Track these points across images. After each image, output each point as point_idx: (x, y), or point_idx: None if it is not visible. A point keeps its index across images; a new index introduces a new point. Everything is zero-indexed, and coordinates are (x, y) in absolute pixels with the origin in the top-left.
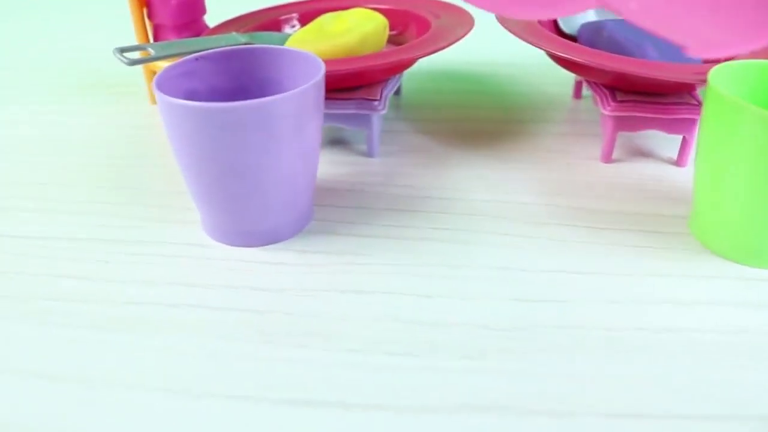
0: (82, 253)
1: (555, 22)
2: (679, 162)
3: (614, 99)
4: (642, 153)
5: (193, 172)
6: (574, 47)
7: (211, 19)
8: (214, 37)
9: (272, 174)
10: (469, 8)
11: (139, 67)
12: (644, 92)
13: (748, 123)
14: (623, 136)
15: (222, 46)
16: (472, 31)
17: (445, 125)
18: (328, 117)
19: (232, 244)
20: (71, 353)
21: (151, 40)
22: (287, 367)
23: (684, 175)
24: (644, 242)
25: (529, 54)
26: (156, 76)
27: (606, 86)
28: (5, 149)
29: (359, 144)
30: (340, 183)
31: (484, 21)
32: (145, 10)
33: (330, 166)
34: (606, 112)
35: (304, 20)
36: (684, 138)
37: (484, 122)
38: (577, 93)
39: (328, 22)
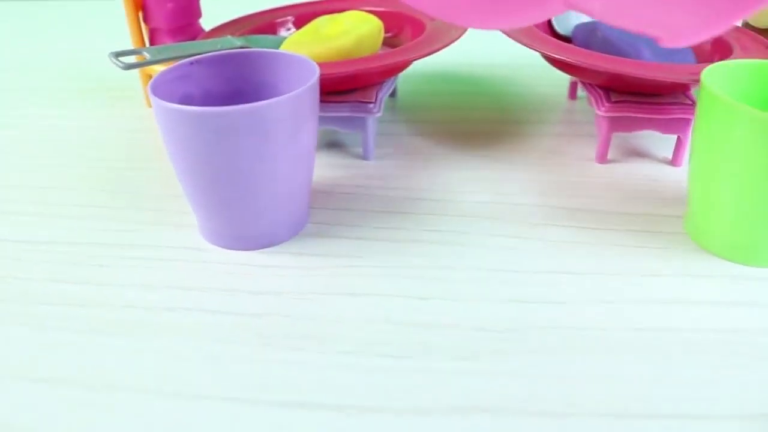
0: (79, 256)
1: (549, 24)
2: (673, 162)
3: (609, 99)
4: (637, 153)
5: (189, 176)
6: (569, 48)
7: (207, 22)
8: (209, 40)
9: (268, 177)
10: None
11: (136, 71)
12: (639, 93)
13: (741, 123)
14: (618, 137)
15: (217, 50)
16: (466, 33)
17: (440, 127)
18: (323, 120)
19: (228, 248)
20: (70, 357)
21: (147, 44)
22: (283, 370)
23: (679, 175)
24: (639, 242)
25: (524, 55)
26: (151, 81)
27: (600, 87)
28: (0, 152)
29: (355, 147)
30: (335, 186)
31: None
32: (140, 14)
33: (325, 168)
34: (601, 113)
35: (300, 23)
36: (678, 138)
37: (480, 123)
38: (572, 94)
39: (323, 24)
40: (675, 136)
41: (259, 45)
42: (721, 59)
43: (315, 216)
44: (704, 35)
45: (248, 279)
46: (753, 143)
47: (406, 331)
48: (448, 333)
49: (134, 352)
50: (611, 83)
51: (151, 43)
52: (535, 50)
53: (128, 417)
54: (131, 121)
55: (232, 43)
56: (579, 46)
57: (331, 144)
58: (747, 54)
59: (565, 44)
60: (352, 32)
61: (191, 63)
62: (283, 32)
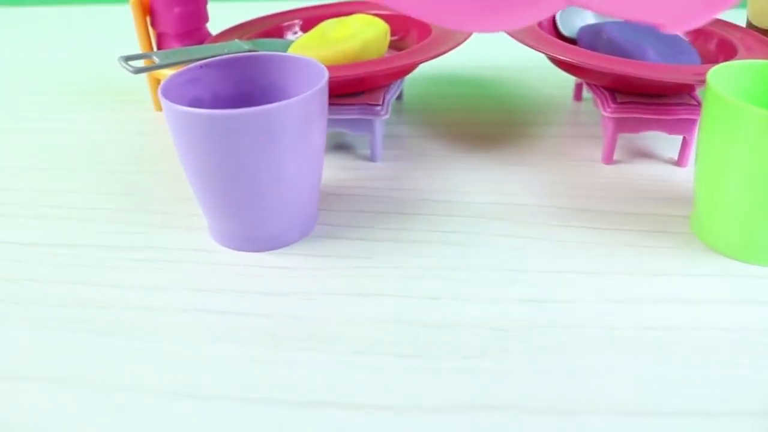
0: (89, 259)
1: (554, 26)
2: (679, 162)
3: (614, 101)
4: (643, 154)
5: (200, 178)
6: (574, 50)
7: (214, 27)
8: (217, 44)
9: (277, 179)
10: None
11: (143, 75)
12: (644, 93)
13: (747, 123)
14: (624, 138)
15: (225, 54)
16: (472, 36)
17: (446, 129)
18: (331, 122)
19: (238, 249)
20: (82, 358)
21: (155, 49)
22: (293, 370)
23: (685, 175)
24: (646, 242)
25: (529, 57)
26: (161, 84)
27: (606, 88)
28: (11, 156)
29: (362, 149)
30: (344, 187)
31: None
32: (148, 19)
33: (334, 170)
34: (606, 114)
35: (307, 27)
36: (684, 138)
37: (486, 125)
38: (578, 95)
39: (330, 28)
40: (681, 137)
41: (267, 49)
42: (726, 60)
43: (324, 217)
44: (703, 18)
45: (258, 280)
46: (759, 143)
47: (415, 330)
48: (456, 332)
49: (144, 353)
50: (617, 84)
51: (159, 47)
52: (541, 52)
53: (138, 418)
54: (139, 125)
55: (240, 46)
56: (584, 47)
57: (339, 146)
58: (752, 55)
59: (571, 46)
60: (358, 36)
61: (200, 66)
62: (290, 36)
